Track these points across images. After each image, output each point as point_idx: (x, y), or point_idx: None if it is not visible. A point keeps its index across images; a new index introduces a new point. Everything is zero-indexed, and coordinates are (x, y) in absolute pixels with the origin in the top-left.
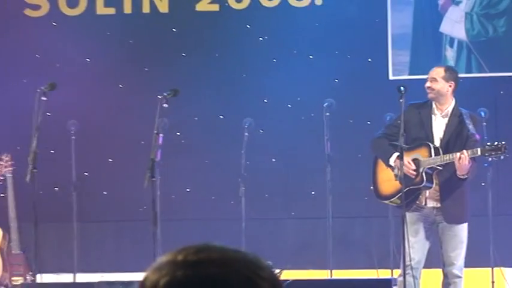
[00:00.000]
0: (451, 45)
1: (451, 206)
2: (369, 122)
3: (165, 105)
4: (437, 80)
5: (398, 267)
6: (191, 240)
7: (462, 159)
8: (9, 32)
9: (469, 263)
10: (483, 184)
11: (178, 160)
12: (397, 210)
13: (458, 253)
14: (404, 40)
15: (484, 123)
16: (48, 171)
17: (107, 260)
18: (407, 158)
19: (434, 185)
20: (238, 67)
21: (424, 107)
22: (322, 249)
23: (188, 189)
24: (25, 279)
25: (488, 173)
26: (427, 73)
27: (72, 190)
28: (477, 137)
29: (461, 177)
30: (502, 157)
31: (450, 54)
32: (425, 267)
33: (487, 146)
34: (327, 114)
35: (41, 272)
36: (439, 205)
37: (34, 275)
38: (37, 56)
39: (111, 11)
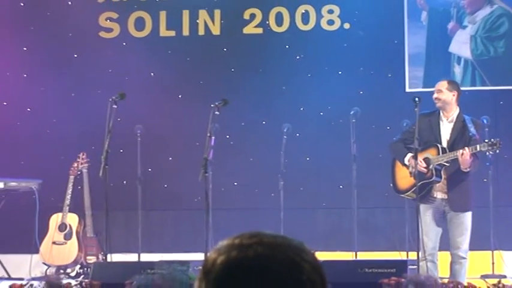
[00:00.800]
0: (459, 63)
1: (457, 196)
2: (388, 128)
3: (216, 112)
4: (443, 91)
5: (413, 251)
6: (238, 226)
7: (464, 154)
8: (86, 51)
9: (473, 246)
10: (485, 180)
11: (227, 159)
12: (412, 202)
13: (464, 238)
14: (418, 58)
15: (486, 129)
16: (117, 168)
17: (166, 243)
18: (420, 158)
19: (442, 179)
20: (278, 81)
21: (432, 115)
22: (348, 235)
23: (235, 183)
24: (97, 258)
25: (489, 171)
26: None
27: (138, 183)
28: (477, 137)
29: (465, 170)
30: (497, 151)
31: (457, 70)
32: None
33: (484, 143)
34: (353, 120)
35: (111, 252)
36: (446, 197)
37: (105, 255)
38: (109, 70)
39: (171, 33)
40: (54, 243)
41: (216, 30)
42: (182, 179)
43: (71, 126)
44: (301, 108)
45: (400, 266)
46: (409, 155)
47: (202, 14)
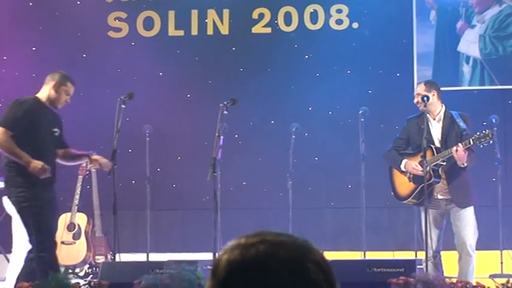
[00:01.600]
0: (467, 62)
1: (458, 193)
2: (397, 127)
3: (225, 112)
4: (421, 94)
5: (422, 250)
6: (246, 226)
7: (458, 150)
8: (95, 50)
9: (482, 246)
10: (494, 180)
11: (236, 158)
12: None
13: (467, 233)
14: (427, 58)
15: (495, 128)
16: (126, 167)
17: (174, 242)
18: (415, 161)
19: (442, 179)
20: (287, 80)
21: (420, 118)
22: (356, 234)
23: (244, 183)
24: (106, 258)
25: (498, 170)
26: (447, 86)
27: (146, 183)
28: (468, 131)
29: (462, 166)
30: (490, 142)
31: (466, 69)
32: (445, 249)
33: (476, 135)
34: (362, 120)
35: (120, 252)
36: (448, 196)
37: (113, 255)
38: (118, 70)
39: (180, 33)
40: (62, 243)
41: (224, 29)
42: (191, 179)
43: (80, 125)
44: (310, 108)
45: (409, 266)
46: (404, 161)
47: (211, 14)
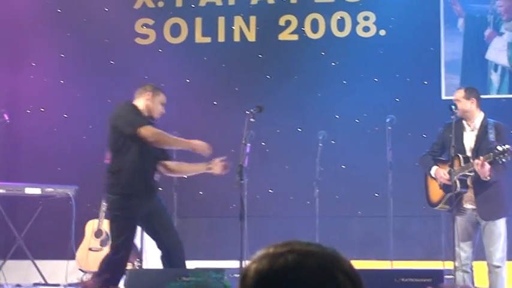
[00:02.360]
0: (496, 70)
1: (485, 205)
2: (424, 135)
3: (252, 119)
4: (460, 101)
5: (449, 260)
6: (273, 234)
7: (479, 164)
8: (122, 57)
9: (510, 256)
10: None
11: (263, 166)
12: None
13: (497, 247)
14: (455, 65)
15: None
16: None
17: (201, 250)
18: (444, 170)
19: (468, 190)
20: (314, 88)
21: (456, 124)
22: (384, 243)
23: (271, 191)
24: (133, 265)
25: None
26: None
27: (173, 191)
28: (495, 144)
29: (485, 179)
30: (509, 158)
31: (495, 78)
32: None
33: (496, 151)
34: (389, 128)
35: (147, 259)
36: (475, 206)
37: (140, 262)
38: (145, 77)
39: (207, 39)
40: (90, 249)
41: (251, 36)
42: (217, 186)
43: (107, 132)
44: (337, 116)
45: (437, 276)
46: (434, 168)
47: (238, 21)
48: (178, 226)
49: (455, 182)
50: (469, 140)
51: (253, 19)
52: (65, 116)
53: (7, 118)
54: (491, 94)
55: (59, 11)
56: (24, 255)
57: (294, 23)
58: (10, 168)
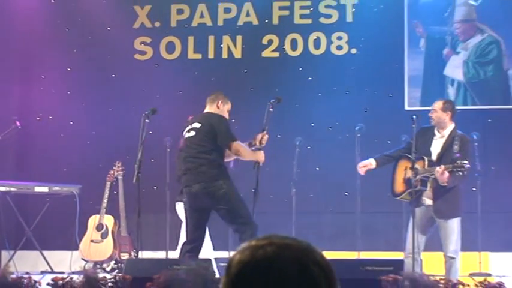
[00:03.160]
0: (452, 85)
1: (441, 205)
2: (389, 142)
3: (271, 109)
4: (437, 111)
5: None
6: None
7: (439, 172)
8: (122, 71)
9: (463, 248)
10: (474, 189)
11: (246, 168)
12: (409, 207)
13: (450, 241)
14: (417, 80)
15: (476, 144)
16: (149, 175)
17: None
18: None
19: (428, 188)
20: (292, 99)
21: (429, 130)
22: (352, 236)
23: (253, 190)
24: (130, 255)
25: (478, 181)
26: (431, 106)
27: (167, 189)
28: (458, 155)
29: (442, 184)
30: (465, 172)
31: (451, 91)
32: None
33: (456, 163)
34: (358, 135)
35: (142, 249)
36: (432, 203)
37: (137, 252)
38: (143, 89)
39: (198, 56)
40: (92, 241)
41: (238, 53)
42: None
43: (108, 137)
44: (312, 124)
45: (398, 265)
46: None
47: (226, 40)
48: (170, 220)
49: (417, 181)
50: (437, 146)
51: (239, 38)
52: (71, 123)
53: (19, 125)
54: None
55: (66, 29)
56: (32, 246)
57: (276, 42)
58: (21, 169)
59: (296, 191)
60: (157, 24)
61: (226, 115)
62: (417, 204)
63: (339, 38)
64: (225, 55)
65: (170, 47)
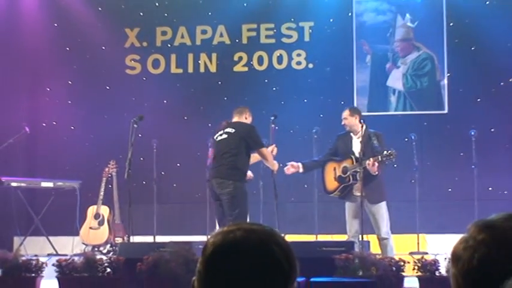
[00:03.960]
0: (394, 94)
1: (371, 192)
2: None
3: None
4: (347, 118)
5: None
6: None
7: (369, 164)
8: (116, 83)
9: (403, 230)
10: (413, 181)
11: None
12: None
13: (381, 222)
14: (364, 90)
15: (414, 143)
16: (138, 171)
17: (174, 228)
18: (340, 166)
19: (358, 181)
20: (259, 107)
21: (346, 135)
22: (310, 222)
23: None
24: (123, 239)
25: (416, 174)
26: (379, 111)
27: (154, 183)
28: (379, 148)
29: (373, 174)
30: (393, 160)
31: (393, 99)
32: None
33: (384, 153)
34: (315, 136)
35: (133, 235)
36: (363, 194)
37: (129, 237)
38: (133, 99)
39: (180, 70)
40: (90, 228)
41: (213, 68)
42: (187, 180)
43: (104, 140)
44: (276, 127)
45: (348, 246)
46: (330, 162)
47: (203, 57)
48: (157, 210)
49: (348, 176)
50: (357, 146)
51: (214, 55)
52: (72, 128)
53: (27, 130)
54: (391, 111)
55: (67, 49)
56: (40, 233)
57: (245, 59)
58: (30, 167)
59: (263, 184)
60: (144, 44)
61: None
62: (349, 198)
63: (298, 55)
64: (202, 70)
65: (156, 63)
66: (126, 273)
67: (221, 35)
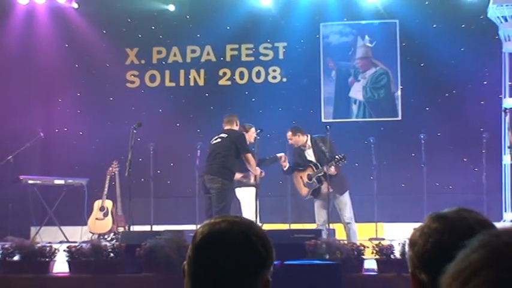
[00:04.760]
0: (355, 103)
1: (336, 185)
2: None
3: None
4: (292, 139)
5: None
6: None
7: (328, 168)
8: (118, 95)
9: (364, 219)
10: (371, 178)
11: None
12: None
13: (344, 209)
14: (330, 100)
15: (372, 145)
16: (138, 170)
17: (169, 218)
18: (304, 174)
19: (324, 182)
20: (242, 114)
21: (299, 148)
22: (285, 213)
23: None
24: (124, 228)
25: (374, 172)
26: (342, 118)
27: (151, 180)
28: (326, 151)
29: (333, 174)
30: (345, 161)
31: (354, 108)
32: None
33: (336, 158)
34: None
35: (133, 224)
36: (331, 190)
37: (129, 226)
38: (132, 108)
39: (173, 84)
40: (96, 219)
41: (201, 82)
42: (179, 177)
43: (108, 144)
44: (258, 137)
45: (317, 233)
46: (296, 172)
47: (193, 72)
48: (154, 203)
49: (314, 181)
50: (310, 155)
51: (202, 71)
52: (80, 133)
53: (42, 135)
54: (353, 118)
55: (76, 66)
56: (53, 223)
57: (228, 74)
58: (44, 167)
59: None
60: (142, 61)
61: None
62: (320, 196)
63: (274, 71)
64: (192, 83)
65: (152, 78)
66: (127, 257)
67: (208, 54)
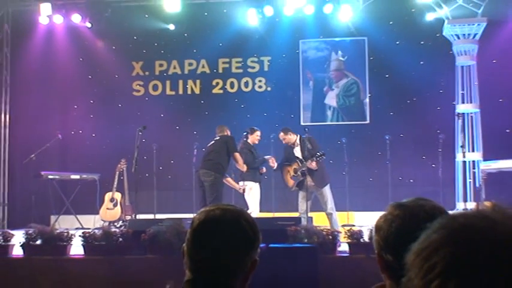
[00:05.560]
0: (330, 109)
1: (317, 179)
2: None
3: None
4: (284, 138)
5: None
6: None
7: (309, 163)
8: (126, 102)
9: (336, 208)
10: (344, 173)
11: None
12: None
13: (326, 200)
14: (308, 106)
15: (345, 145)
16: (143, 167)
17: (169, 208)
18: (291, 168)
19: (307, 176)
20: (231, 119)
21: (288, 146)
22: (270, 203)
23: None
24: (131, 217)
25: (346, 168)
26: (318, 122)
27: (154, 175)
28: (311, 149)
29: (314, 169)
30: (324, 157)
31: (329, 113)
32: (318, 211)
33: (317, 154)
34: (272, 141)
35: (139, 213)
36: (313, 183)
37: (135, 215)
38: (138, 113)
39: (173, 93)
40: (107, 208)
41: (197, 91)
42: (178, 173)
43: (117, 144)
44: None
45: (297, 220)
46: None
47: (190, 82)
48: (157, 195)
49: (299, 175)
50: (297, 152)
51: (198, 81)
52: (93, 135)
53: (60, 136)
54: (327, 122)
55: (89, 77)
56: (70, 212)
57: (220, 84)
58: (62, 164)
59: (234, 176)
60: (146, 73)
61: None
62: (303, 188)
63: (260, 81)
64: (189, 92)
65: (155, 87)
66: (134, 241)
67: (203, 66)
